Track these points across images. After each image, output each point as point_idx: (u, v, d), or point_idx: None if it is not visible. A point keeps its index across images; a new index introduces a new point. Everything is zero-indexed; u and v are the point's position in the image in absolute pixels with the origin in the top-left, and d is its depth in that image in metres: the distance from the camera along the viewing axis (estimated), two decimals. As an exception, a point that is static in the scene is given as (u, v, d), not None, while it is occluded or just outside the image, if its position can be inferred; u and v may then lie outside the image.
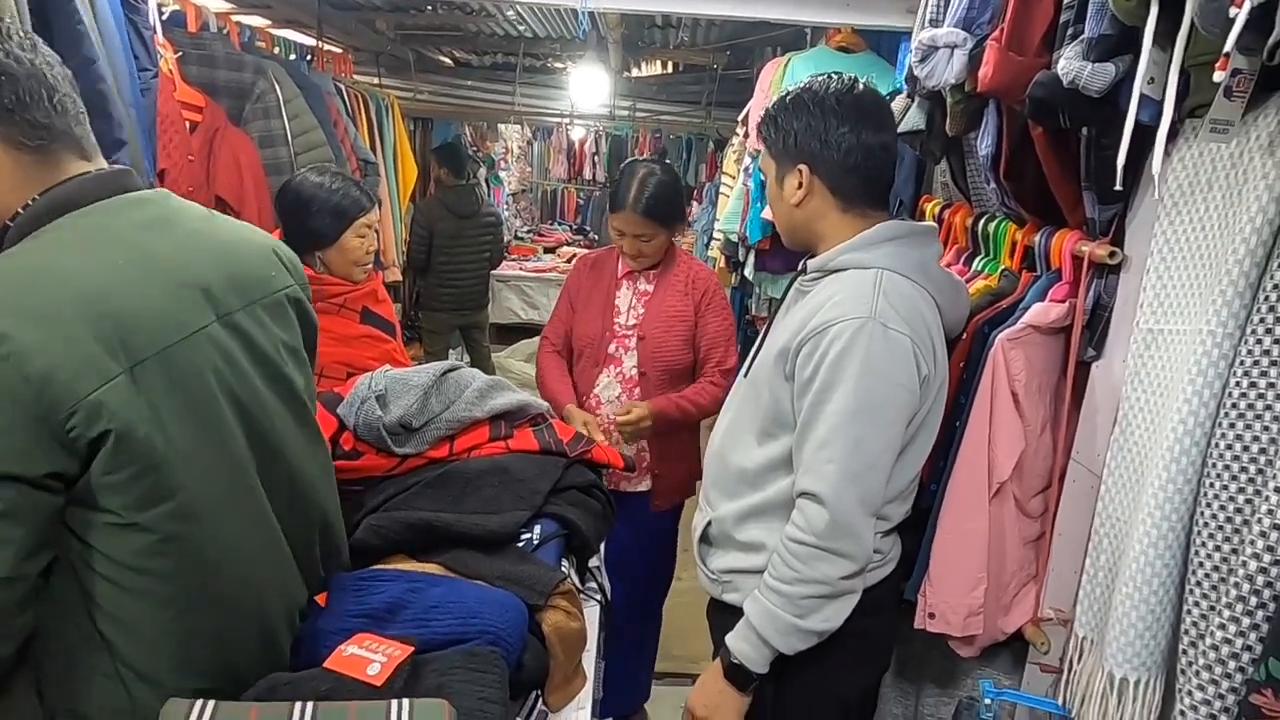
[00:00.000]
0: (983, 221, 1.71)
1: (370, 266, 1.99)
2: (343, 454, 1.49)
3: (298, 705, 0.84)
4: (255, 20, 3.32)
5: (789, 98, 1.38)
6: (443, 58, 5.93)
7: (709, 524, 1.47)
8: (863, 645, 1.41)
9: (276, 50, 3.31)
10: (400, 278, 4.22)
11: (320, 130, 2.78)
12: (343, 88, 3.40)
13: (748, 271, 3.14)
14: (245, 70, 2.61)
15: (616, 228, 2.15)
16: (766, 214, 2.77)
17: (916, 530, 1.44)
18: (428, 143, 6.29)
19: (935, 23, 1.59)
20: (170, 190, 2.20)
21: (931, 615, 1.42)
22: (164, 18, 2.38)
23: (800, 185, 1.35)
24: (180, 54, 2.40)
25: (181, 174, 2.34)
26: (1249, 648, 0.87)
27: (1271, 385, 0.91)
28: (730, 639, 1.34)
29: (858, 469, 1.23)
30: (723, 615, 1.41)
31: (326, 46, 3.75)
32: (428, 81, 5.73)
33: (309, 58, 3.64)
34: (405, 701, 0.87)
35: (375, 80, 5.16)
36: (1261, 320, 0.92)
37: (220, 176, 2.49)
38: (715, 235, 3.64)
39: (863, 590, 1.33)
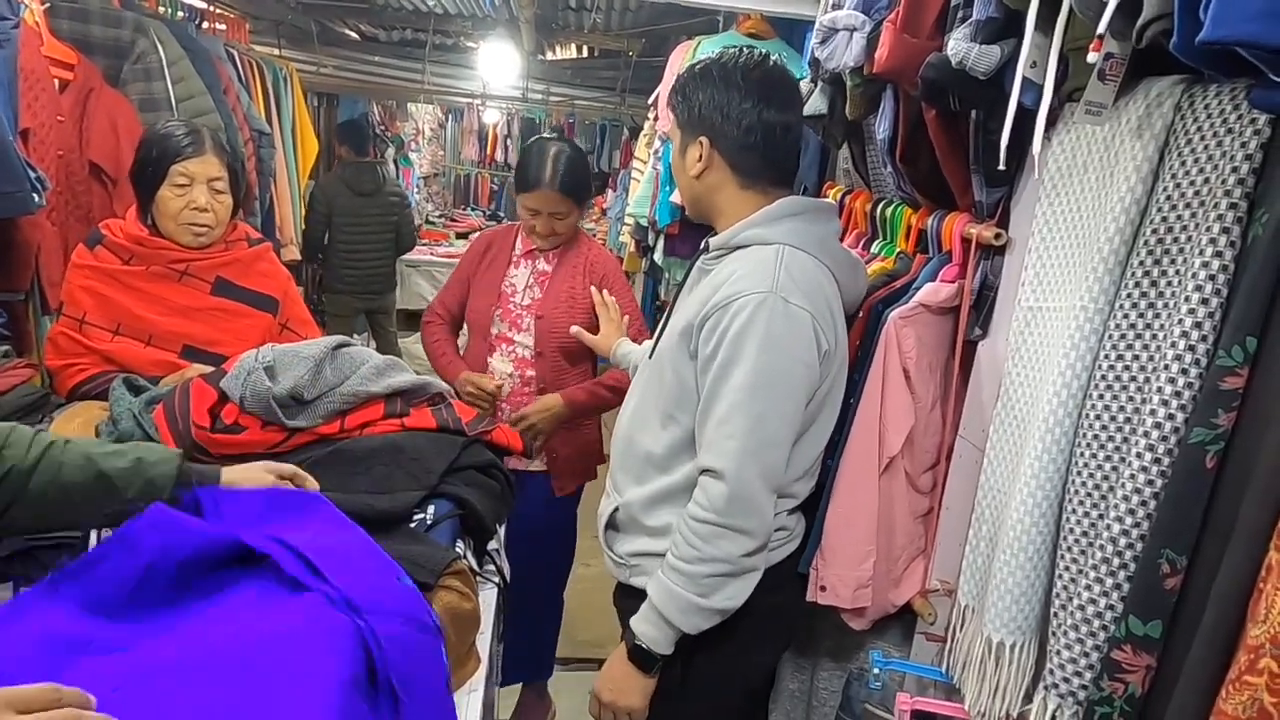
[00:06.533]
0: (880, 206, 1.74)
1: (208, 231, 1.70)
2: (223, 427, 1.41)
3: None
4: (140, -21, 3.11)
5: (698, 67, 1.37)
6: (348, 31, 5.72)
7: (616, 510, 1.45)
8: (770, 622, 1.42)
9: (161, 9, 3.11)
10: (298, 257, 4.04)
11: (208, 96, 2.63)
12: (236, 54, 3.22)
13: (657, 256, 3.15)
14: (124, 27, 2.45)
15: (530, 207, 2.09)
16: (675, 198, 2.77)
17: (811, 505, 1.46)
18: (332, 119, 6.06)
19: (837, 7, 1.61)
20: (39, 153, 2.08)
21: (823, 588, 1.44)
22: (30, -35, 2.20)
23: (700, 157, 1.35)
24: (48, 5, 2.22)
25: (50, 135, 2.17)
26: (1111, 607, 0.91)
27: (1136, 358, 0.95)
28: (634, 621, 1.33)
29: (757, 445, 1.24)
30: (630, 599, 1.40)
31: (218, 10, 3.55)
32: (332, 55, 5.52)
33: (198, 21, 3.43)
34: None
35: (275, 51, 4.92)
36: (1129, 295, 0.96)
37: (95, 141, 2.32)
38: (625, 220, 3.63)
39: (769, 567, 1.34)
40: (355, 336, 4.88)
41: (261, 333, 1.78)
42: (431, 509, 1.42)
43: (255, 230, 1.94)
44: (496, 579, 1.54)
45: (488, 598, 1.45)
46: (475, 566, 1.49)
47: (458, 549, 1.42)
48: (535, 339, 2.14)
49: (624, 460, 1.46)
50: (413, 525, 1.39)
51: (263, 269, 1.84)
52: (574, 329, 1.98)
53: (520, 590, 1.72)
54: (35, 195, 1.85)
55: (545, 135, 2.19)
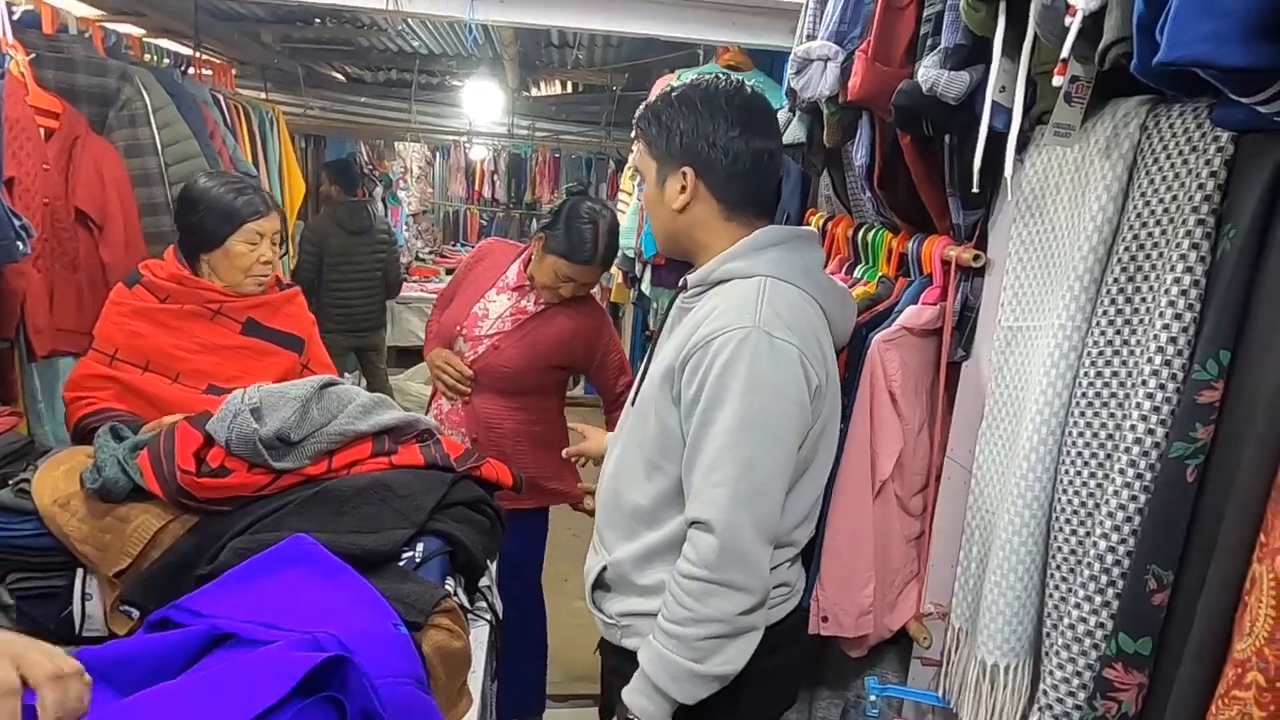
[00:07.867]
0: (862, 231, 1.76)
1: (266, 279, 1.87)
2: (209, 471, 1.40)
3: None
4: (127, 28, 3.15)
5: (675, 94, 1.29)
6: (334, 73, 5.79)
7: (604, 568, 1.36)
8: (771, 685, 1.32)
9: (147, 57, 3.14)
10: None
11: (194, 141, 2.64)
12: (221, 98, 3.25)
13: (645, 286, 3.16)
14: (109, 75, 2.46)
15: (569, 276, 2.05)
16: (660, 228, 2.78)
17: (809, 551, 1.43)
18: (320, 160, 6.10)
19: (811, 38, 1.64)
20: (24, 201, 2.09)
21: (825, 619, 1.43)
22: (15, 18, 2.23)
23: (683, 189, 1.26)
24: (33, 56, 2.24)
25: (35, 184, 2.17)
26: (1101, 625, 0.91)
27: (1115, 374, 0.96)
28: (627, 693, 1.22)
29: (748, 492, 1.14)
30: (617, 657, 1.33)
31: (205, 57, 3.59)
32: (319, 97, 5.58)
33: (184, 67, 3.47)
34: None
35: (262, 95, 4.97)
36: (1104, 313, 0.97)
37: (80, 188, 2.33)
38: (613, 251, 3.64)
39: (769, 625, 1.24)
40: (346, 375, 4.87)
41: (284, 371, 1.87)
42: (420, 546, 1.41)
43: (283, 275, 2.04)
44: (489, 616, 1.52)
45: (480, 635, 1.44)
46: (466, 604, 1.47)
47: (448, 586, 1.40)
48: (483, 364, 2.12)
49: (610, 515, 1.36)
50: (401, 564, 1.38)
51: (290, 311, 1.95)
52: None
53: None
54: (20, 244, 1.86)
55: (590, 203, 2.07)
